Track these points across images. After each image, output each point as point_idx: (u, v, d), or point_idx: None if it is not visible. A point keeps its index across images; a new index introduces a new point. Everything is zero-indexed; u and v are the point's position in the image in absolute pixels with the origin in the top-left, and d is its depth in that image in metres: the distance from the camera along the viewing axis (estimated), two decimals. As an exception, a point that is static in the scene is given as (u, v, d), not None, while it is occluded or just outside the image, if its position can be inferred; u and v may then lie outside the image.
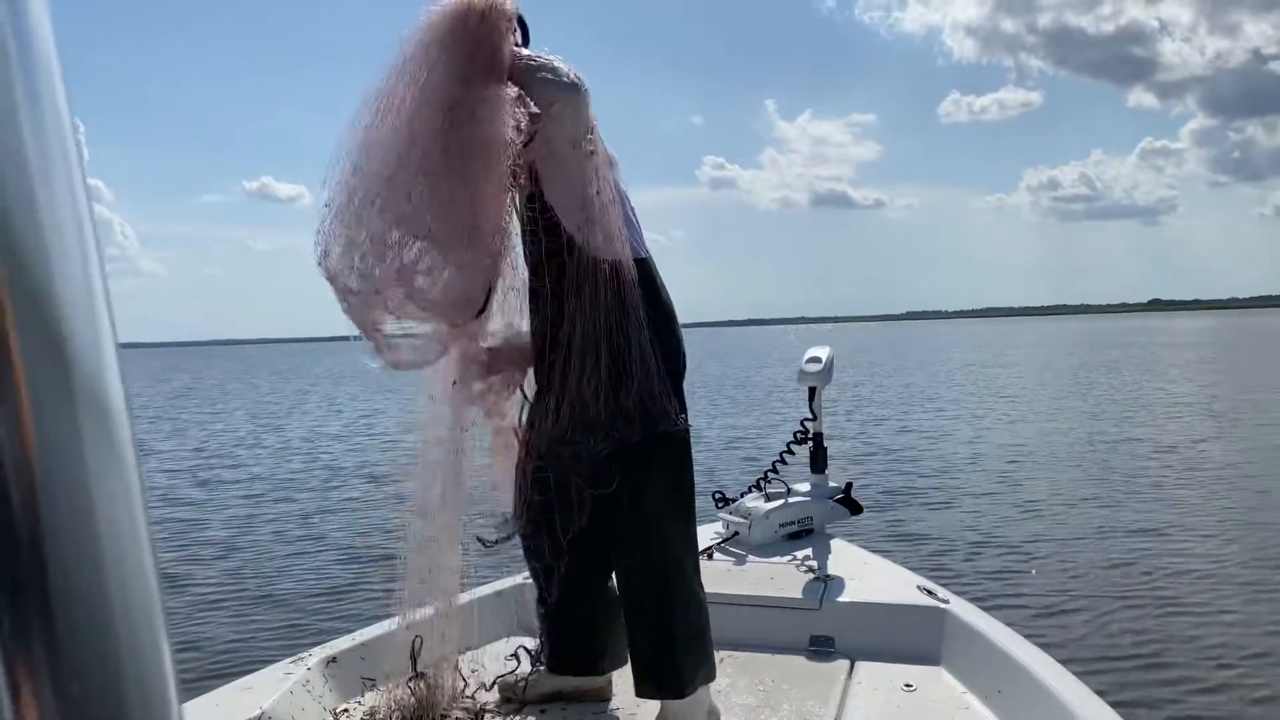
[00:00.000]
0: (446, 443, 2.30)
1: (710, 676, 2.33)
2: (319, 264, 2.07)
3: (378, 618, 2.89)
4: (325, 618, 5.80)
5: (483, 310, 2.21)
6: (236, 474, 12.30)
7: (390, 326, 2.15)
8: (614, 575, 2.39)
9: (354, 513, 9.22)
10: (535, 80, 2.12)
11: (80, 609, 0.26)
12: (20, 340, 0.25)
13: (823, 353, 3.79)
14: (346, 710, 2.46)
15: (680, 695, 2.25)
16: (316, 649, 2.66)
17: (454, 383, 2.30)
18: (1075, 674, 2.40)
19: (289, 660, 2.57)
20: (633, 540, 2.28)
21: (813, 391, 3.77)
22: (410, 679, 2.37)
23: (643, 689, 2.31)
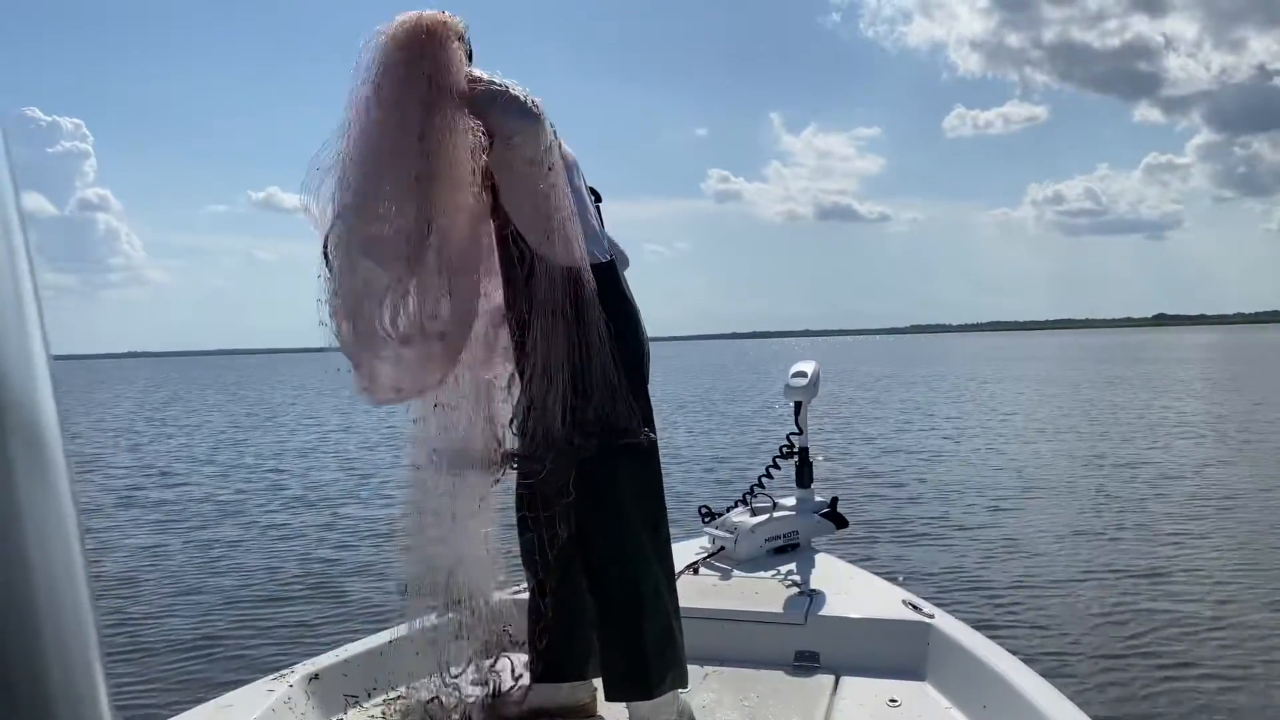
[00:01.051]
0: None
1: (681, 682, 2.34)
2: (335, 336, 2.09)
3: (360, 634, 2.88)
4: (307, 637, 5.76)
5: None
6: (175, 493, 12.09)
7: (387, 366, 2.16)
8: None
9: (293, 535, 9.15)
10: (495, 110, 2.12)
11: (12, 639, 0.24)
12: None
13: (808, 367, 3.80)
14: (328, 729, 2.44)
15: (648, 697, 2.27)
16: (299, 665, 2.64)
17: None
18: (1060, 689, 2.40)
19: (271, 677, 2.55)
20: (601, 549, 2.31)
21: (798, 406, 3.78)
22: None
23: (611, 693, 2.34)
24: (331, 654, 2.73)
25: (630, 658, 2.29)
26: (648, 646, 2.27)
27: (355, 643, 2.81)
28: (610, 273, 2.31)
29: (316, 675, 2.57)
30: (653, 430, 2.32)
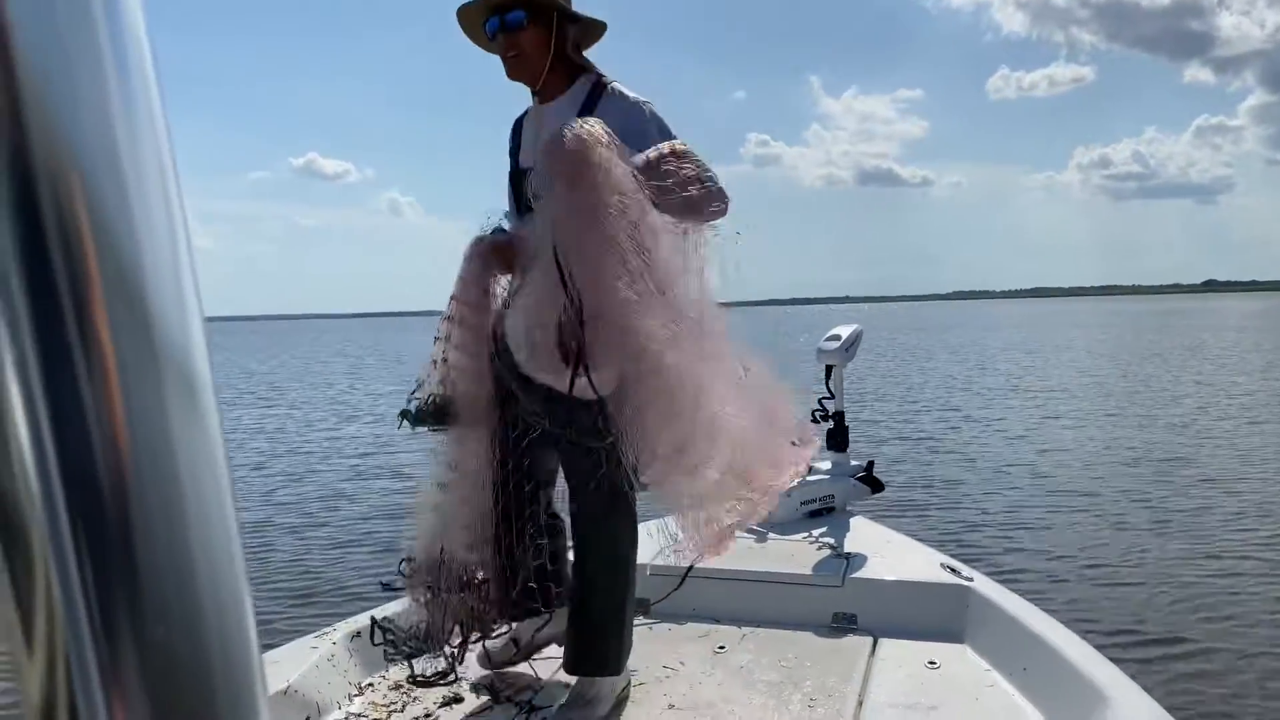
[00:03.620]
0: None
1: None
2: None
3: (401, 592, 2.91)
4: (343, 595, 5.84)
5: None
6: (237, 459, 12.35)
7: None
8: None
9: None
10: (698, 212, 2.13)
11: (165, 559, 0.27)
12: (110, 318, 0.26)
13: (845, 331, 3.78)
14: (371, 684, 2.49)
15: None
16: (340, 624, 2.68)
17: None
18: (1102, 652, 2.38)
19: (314, 635, 2.60)
20: (573, 479, 2.34)
21: (829, 370, 3.76)
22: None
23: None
24: (372, 612, 2.77)
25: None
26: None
27: (396, 601, 2.85)
28: None
29: (358, 633, 2.61)
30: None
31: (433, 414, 2.31)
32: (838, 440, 3.76)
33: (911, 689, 2.39)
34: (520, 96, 2.47)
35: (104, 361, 0.26)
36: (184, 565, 0.28)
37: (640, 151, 2.14)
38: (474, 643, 2.49)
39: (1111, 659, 2.35)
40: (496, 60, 2.33)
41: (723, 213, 2.21)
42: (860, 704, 2.32)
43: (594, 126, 2.02)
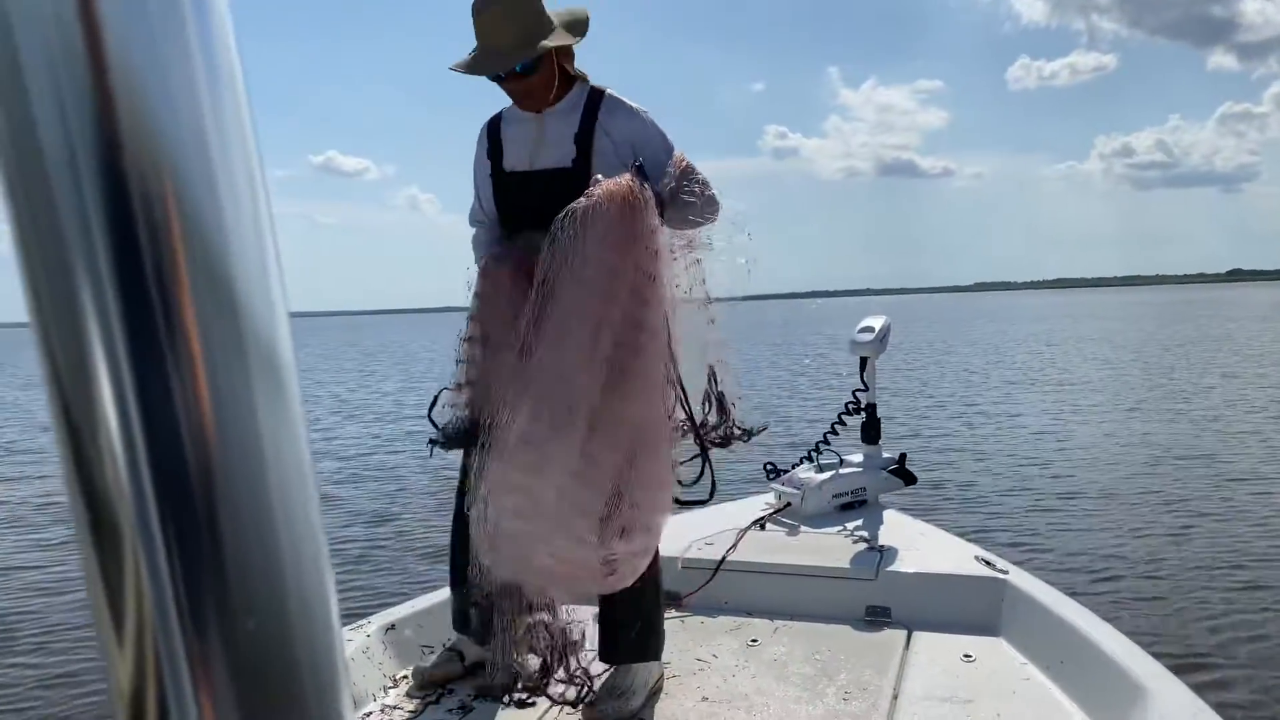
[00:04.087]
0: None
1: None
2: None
3: (435, 585, 2.93)
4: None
5: None
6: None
7: None
8: None
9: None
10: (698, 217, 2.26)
11: (252, 551, 0.28)
12: (197, 313, 0.27)
13: (877, 322, 3.76)
14: (405, 676, 2.50)
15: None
16: (375, 616, 2.70)
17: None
18: (1140, 645, 2.36)
19: (348, 628, 2.62)
20: None
21: (864, 361, 3.74)
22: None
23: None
24: (407, 605, 2.80)
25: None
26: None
27: (429, 594, 2.87)
28: None
29: (392, 626, 2.63)
30: None
31: (462, 438, 2.31)
32: (870, 433, 3.74)
33: (946, 682, 2.37)
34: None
35: (192, 355, 0.27)
36: (271, 557, 0.28)
37: (652, 160, 2.24)
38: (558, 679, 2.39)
39: (1150, 652, 2.33)
40: None
41: (715, 219, 2.33)
42: (895, 697, 2.31)
43: (645, 193, 2.10)
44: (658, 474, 2.16)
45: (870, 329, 3.74)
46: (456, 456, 2.40)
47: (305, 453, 0.29)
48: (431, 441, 2.37)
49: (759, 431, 2.49)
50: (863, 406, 3.76)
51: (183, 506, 0.27)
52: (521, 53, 2.25)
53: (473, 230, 2.61)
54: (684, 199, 2.23)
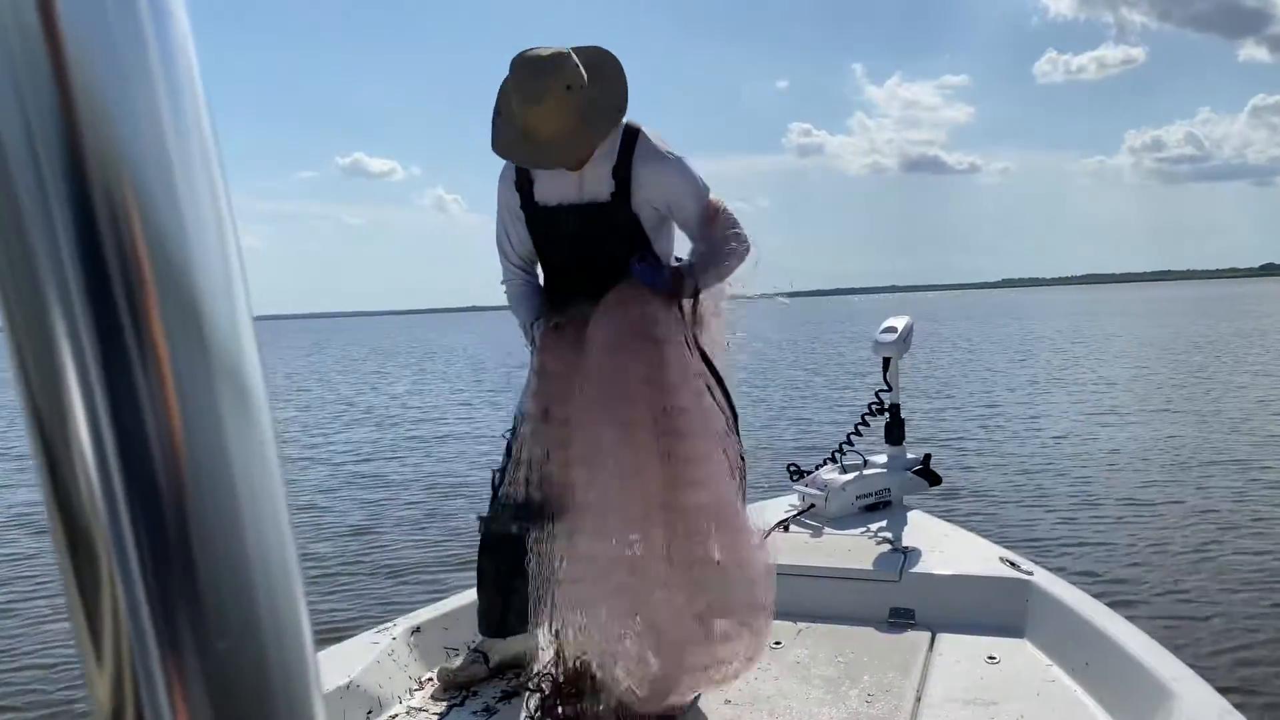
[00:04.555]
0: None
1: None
2: None
3: (460, 588, 2.95)
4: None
5: None
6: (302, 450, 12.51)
7: None
8: None
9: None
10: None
11: (224, 571, 0.28)
12: (162, 320, 0.27)
13: (899, 323, 3.74)
14: (431, 679, 2.52)
15: None
16: (401, 619, 2.72)
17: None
18: (1167, 646, 2.33)
19: (375, 630, 2.64)
20: None
21: (887, 362, 3.73)
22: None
23: None
24: (432, 607, 2.81)
25: None
26: None
27: (455, 596, 2.89)
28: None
29: (418, 628, 2.65)
30: None
31: (518, 515, 2.26)
32: (894, 433, 3.72)
33: (971, 684, 2.35)
34: None
35: (160, 368, 0.27)
36: (241, 575, 0.28)
37: (683, 209, 2.29)
38: None
39: (1177, 654, 2.30)
40: None
41: (747, 258, 2.36)
42: (919, 699, 2.30)
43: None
44: (745, 554, 2.20)
45: (893, 329, 3.72)
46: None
47: (274, 464, 0.29)
48: (481, 519, 2.42)
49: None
50: (886, 407, 3.74)
51: (156, 527, 0.27)
52: (577, 151, 2.21)
53: (503, 288, 2.50)
54: (716, 262, 2.28)
